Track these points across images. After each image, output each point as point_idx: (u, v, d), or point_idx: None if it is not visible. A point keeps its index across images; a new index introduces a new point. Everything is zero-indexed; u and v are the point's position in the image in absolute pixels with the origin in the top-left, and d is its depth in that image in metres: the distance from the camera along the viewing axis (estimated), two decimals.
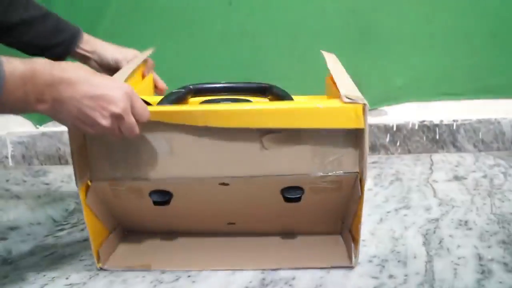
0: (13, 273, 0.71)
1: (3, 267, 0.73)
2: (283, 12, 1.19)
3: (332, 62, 0.83)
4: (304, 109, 0.66)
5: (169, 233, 0.80)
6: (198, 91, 0.84)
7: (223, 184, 0.69)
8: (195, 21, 1.20)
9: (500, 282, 0.67)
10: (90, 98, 0.56)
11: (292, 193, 0.71)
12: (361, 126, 0.65)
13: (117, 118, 0.58)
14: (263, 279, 0.69)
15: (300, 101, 0.70)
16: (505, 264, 0.71)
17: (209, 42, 1.20)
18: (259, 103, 0.70)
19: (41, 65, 0.55)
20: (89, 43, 0.86)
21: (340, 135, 0.67)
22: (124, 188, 0.71)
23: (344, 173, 0.69)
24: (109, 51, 0.86)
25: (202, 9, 1.19)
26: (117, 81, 0.62)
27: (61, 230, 0.85)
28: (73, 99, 0.55)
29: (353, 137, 0.68)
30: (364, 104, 0.64)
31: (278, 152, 0.68)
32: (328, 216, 0.77)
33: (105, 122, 0.57)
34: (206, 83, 0.85)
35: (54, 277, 0.70)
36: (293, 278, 0.69)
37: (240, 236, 0.79)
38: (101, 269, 0.71)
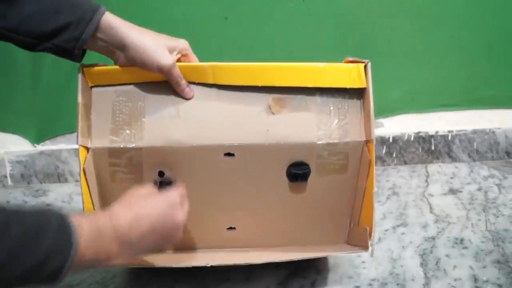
0: None
1: None
2: (279, 27, 1.20)
3: None
4: (309, 67, 0.70)
5: None
6: None
7: (229, 154, 0.69)
8: (191, 36, 1.20)
9: None
10: (157, 238, 0.59)
11: (298, 169, 0.71)
12: (363, 85, 0.69)
13: None
14: None
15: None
16: (499, 285, 0.73)
17: (205, 57, 1.21)
18: (264, 64, 0.71)
19: (103, 221, 0.55)
20: (114, 32, 0.64)
21: (344, 100, 0.70)
22: (123, 163, 0.68)
23: (351, 141, 0.70)
24: (149, 51, 0.65)
25: (198, 23, 1.19)
26: (173, 204, 0.61)
27: None
28: (141, 242, 0.57)
29: (357, 103, 0.70)
30: (367, 63, 0.69)
31: (284, 118, 0.70)
32: (334, 214, 0.75)
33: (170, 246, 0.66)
34: None
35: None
36: None
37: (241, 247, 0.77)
38: None
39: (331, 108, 0.70)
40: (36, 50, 0.63)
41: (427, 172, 1.22)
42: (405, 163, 1.27)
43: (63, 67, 1.14)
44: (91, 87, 0.69)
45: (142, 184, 0.69)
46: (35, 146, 1.21)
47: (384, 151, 1.26)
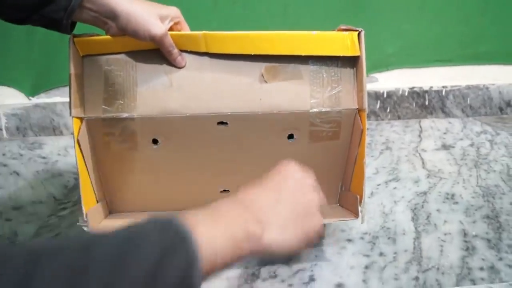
0: None
1: None
2: None
3: None
4: (301, 35, 0.68)
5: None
6: None
7: (222, 123, 0.70)
8: None
9: (483, 259, 0.71)
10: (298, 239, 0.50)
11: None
12: (356, 53, 0.68)
13: None
14: (261, 258, 0.73)
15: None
16: (488, 240, 0.76)
17: (200, 10, 1.19)
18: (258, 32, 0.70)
19: (239, 233, 0.44)
20: (103, 1, 0.62)
21: (337, 69, 0.70)
22: (117, 132, 0.69)
23: (343, 109, 0.70)
24: (141, 21, 0.63)
25: None
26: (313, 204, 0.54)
27: (64, 209, 0.88)
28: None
29: (350, 71, 0.70)
30: (360, 31, 0.67)
31: (277, 87, 0.69)
32: (326, 177, 0.76)
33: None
34: None
35: None
36: (290, 257, 0.73)
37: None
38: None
39: (324, 76, 0.70)
40: (24, 23, 0.62)
41: (420, 127, 1.23)
42: (399, 118, 1.28)
43: None
44: (82, 56, 0.68)
45: (137, 152, 0.70)
46: (30, 99, 1.21)
47: (378, 106, 1.27)
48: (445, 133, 1.19)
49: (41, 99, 1.21)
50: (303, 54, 0.69)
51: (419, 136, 1.18)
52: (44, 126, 1.21)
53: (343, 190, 0.77)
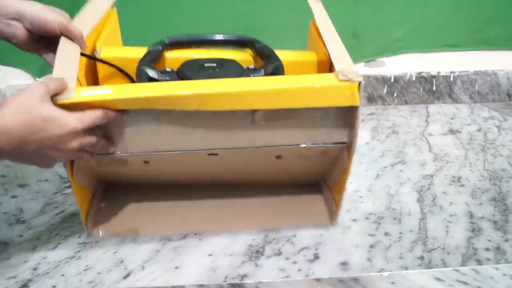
0: (27, 232, 0.75)
1: (17, 226, 0.76)
2: None
3: (320, 14, 0.81)
4: (298, 89, 0.65)
5: (154, 195, 0.81)
6: (175, 45, 0.81)
7: (212, 154, 0.71)
8: None
9: (489, 240, 0.71)
10: (42, 143, 0.56)
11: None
12: (356, 104, 0.65)
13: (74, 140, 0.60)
14: (266, 236, 0.73)
15: (292, 78, 0.67)
16: (494, 222, 0.75)
17: None
18: (251, 83, 0.67)
19: None
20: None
21: (332, 111, 0.68)
22: (109, 161, 0.71)
23: (333, 143, 0.70)
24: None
25: None
26: (59, 115, 0.57)
27: (69, 187, 0.88)
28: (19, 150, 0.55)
29: (344, 112, 0.68)
30: (360, 82, 0.64)
31: (269, 126, 0.68)
32: (311, 175, 0.82)
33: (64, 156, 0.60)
34: (183, 36, 0.82)
35: (67, 236, 0.73)
36: (294, 236, 0.73)
37: (224, 196, 0.82)
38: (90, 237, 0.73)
39: (317, 118, 0.68)
40: None
41: (427, 112, 1.22)
42: (406, 103, 1.27)
43: (64, 1, 1.12)
44: None
45: (128, 167, 0.73)
46: (36, 80, 1.21)
47: (385, 90, 1.26)
48: (452, 118, 1.18)
49: None
50: (300, 107, 0.66)
51: (426, 120, 1.17)
52: None
53: (324, 185, 0.82)
